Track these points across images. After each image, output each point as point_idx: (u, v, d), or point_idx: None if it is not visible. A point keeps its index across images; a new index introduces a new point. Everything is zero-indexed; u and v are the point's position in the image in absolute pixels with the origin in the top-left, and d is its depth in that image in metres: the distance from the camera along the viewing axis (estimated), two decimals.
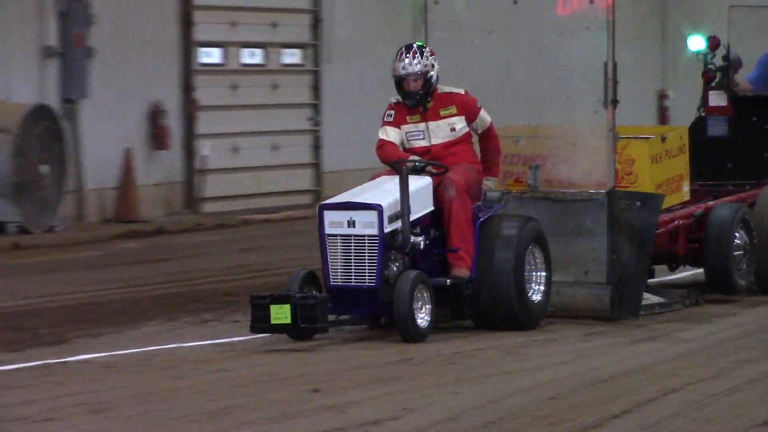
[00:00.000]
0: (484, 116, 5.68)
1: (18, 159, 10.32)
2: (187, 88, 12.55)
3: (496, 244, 5.36)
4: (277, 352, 4.97)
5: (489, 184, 5.67)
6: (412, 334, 5.02)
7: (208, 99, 12.73)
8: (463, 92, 5.69)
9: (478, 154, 5.75)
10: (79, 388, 4.19)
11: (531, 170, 5.92)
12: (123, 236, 10.91)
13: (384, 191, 5.25)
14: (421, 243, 5.26)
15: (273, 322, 4.88)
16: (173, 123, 12.30)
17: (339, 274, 5.13)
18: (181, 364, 4.77)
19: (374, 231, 5.03)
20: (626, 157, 5.93)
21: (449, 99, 5.63)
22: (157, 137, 12.06)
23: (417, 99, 5.53)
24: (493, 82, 6.27)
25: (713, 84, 7.20)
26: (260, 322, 4.93)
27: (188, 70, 12.57)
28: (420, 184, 5.35)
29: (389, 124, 5.59)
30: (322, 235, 5.14)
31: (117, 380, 4.37)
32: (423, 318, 5.09)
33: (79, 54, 11.15)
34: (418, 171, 5.43)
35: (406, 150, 5.56)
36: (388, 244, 5.08)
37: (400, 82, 5.53)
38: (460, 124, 5.61)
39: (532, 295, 5.47)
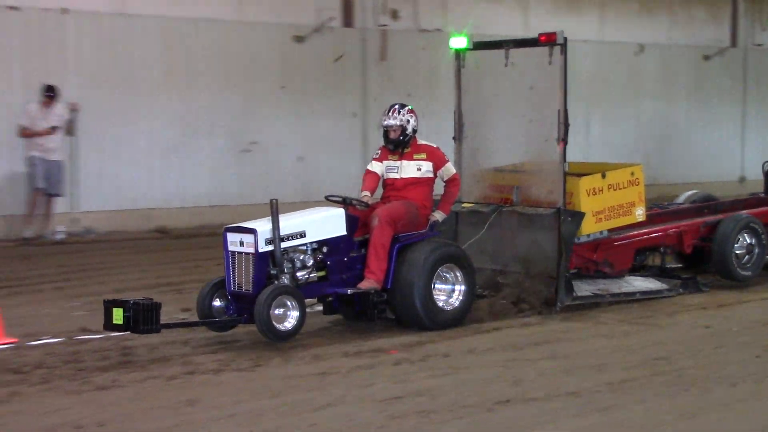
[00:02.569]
0: (450, 168, 7.21)
1: None
2: None
3: (405, 265, 6.61)
4: None
5: (437, 216, 7.06)
6: (269, 335, 6.10)
7: None
8: (435, 146, 7.18)
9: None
10: None
11: (515, 191, 7.70)
12: None
13: (282, 218, 6.42)
14: (306, 260, 6.48)
15: (114, 322, 5.86)
16: None
17: (233, 282, 6.35)
18: None
19: (252, 250, 6.22)
20: (569, 190, 7.31)
21: (423, 148, 7.13)
22: None
23: (395, 144, 7.04)
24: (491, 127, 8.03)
25: None
26: (108, 323, 5.91)
27: None
28: (332, 213, 6.73)
29: (375, 159, 7.25)
30: (225, 251, 6.39)
31: None
32: (286, 322, 6.15)
33: None
34: (347, 204, 6.83)
35: (384, 179, 7.13)
36: (271, 260, 6.31)
37: (386, 130, 7.06)
38: (426, 167, 7.07)
39: (443, 305, 6.75)
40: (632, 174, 7.65)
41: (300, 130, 12.88)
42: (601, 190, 7.44)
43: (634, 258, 8.09)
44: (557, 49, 7.16)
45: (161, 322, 5.96)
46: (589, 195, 7.38)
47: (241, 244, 6.31)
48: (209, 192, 12.31)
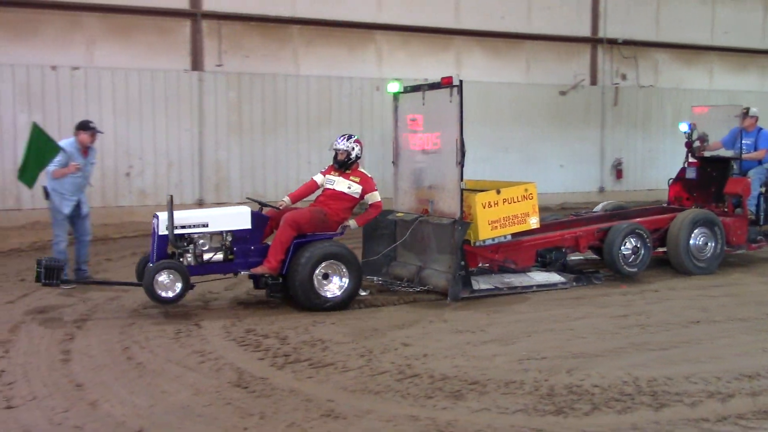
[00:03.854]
0: (375, 196, 8.28)
1: None
2: None
3: (297, 259, 7.63)
4: None
5: (350, 223, 8.13)
6: (152, 299, 7.29)
7: None
8: (370, 176, 8.37)
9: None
10: None
11: (430, 204, 8.76)
12: None
13: (197, 211, 7.97)
14: (208, 244, 7.65)
15: (35, 276, 7.41)
16: None
17: (152, 255, 7.62)
18: None
19: (159, 232, 7.49)
20: (469, 203, 8.44)
21: (360, 174, 8.30)
22: None
23: (340, 164, 8.28)
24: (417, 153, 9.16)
25: (692, 148, 11.15)
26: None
27: None
28: (238, 210, 7.91)
29: (322, 172, 8.49)
30: (153, 231, 7.61)
31: None
32: (166, 291, 7.25)
33: None
34: (262, 205, 8.13)
35: (324, 187, 8.29)
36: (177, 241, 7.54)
37: (336, 152, 8.32)
38: (354, 188, 8.21)
39: (324, 292, 7.70)
40: (526, 190, 8.64)
41: (561, 149, 18.36)
42: (496, 203, 8.45)
43: (536, 257, 9.26)
44: (455, 90, 8.07)
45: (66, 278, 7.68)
46: (484, 207, 8.38)
47: (158, 226, 7.50)
48: None
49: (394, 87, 9.17)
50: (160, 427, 4.77)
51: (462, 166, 8.15)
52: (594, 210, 11.02)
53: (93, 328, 7.08)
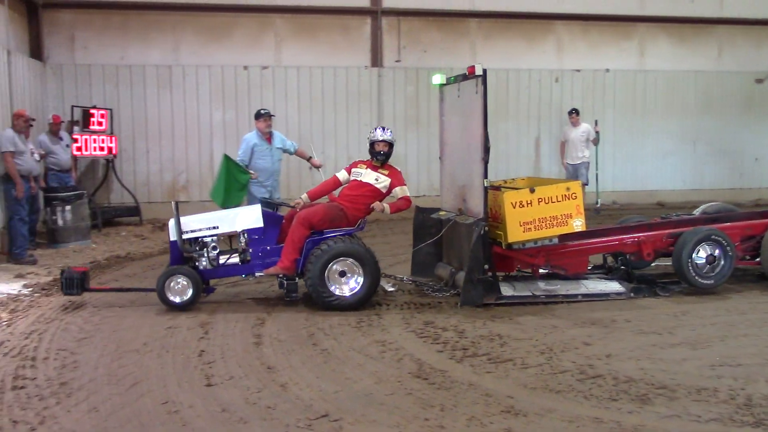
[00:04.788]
0: (405, 189, 7.94)
1: None
2: None
3: (311, 257, 7.43)
4: None
5: (382, 206, 7.76)
6: (165, 303, 7.44)
7: None
8: (399, 170, 8.08)
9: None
10: None
11: (464, 203, 8.20)
12: None
13: (207, 215, 7.79)
14: (215, 247, 7.63)
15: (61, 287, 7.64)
16: None
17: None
18: None
19: (170, 238, 7.63)
20: (500, 202, 7.80)
21: (389, 167, 8.04)
22: None
23: (380, 155, 7.98)
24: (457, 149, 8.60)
25: None
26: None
27: None
28: (248, 210, 7.80)
29: (345, 168, 8.21)
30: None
31: None
32: (175, 296, 7.44)
33: None
34: (278, 205, 8.16)
35: (350, 179, 7.98)
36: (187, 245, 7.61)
37: (374, 143, 7.99)
38: (383, 180, 7.91)
39: (337, 290, 7.45)
40: (568, 189, 7.77)
41: (756, 141, 17.54)
42: (530, 203, 7.65)
43: (607, 261, 8.64)
44: (479, 80, 7.53)
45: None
46: (514, 207, 7.63)
47: (169, 233, 7.68)
48: (690, 179, 17.24)
49: (437, 79, 8.61)
50: (345, 413, 4.92)
51: (486, 163, 7.55)
52: (694, 212, 9.72)
53: (281, 314, 7.45)
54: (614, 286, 8.20)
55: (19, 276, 9.30)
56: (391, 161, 8.17)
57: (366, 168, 8.03)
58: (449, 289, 8.15)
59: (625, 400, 5.10)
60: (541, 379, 5.53)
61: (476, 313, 7.42)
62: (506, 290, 7.84)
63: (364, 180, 7.92)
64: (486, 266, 7.55)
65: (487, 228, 7.54)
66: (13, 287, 8.69)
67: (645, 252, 8.35)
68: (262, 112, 9.91)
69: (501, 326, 6.97)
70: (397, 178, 7.97)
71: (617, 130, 16.75)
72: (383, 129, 8.09)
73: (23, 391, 5.31)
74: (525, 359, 5.99)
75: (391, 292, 8.34)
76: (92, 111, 13.48)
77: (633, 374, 5.60)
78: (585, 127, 14.74)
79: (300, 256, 7.53)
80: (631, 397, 5.15)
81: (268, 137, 9.79)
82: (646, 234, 8.48)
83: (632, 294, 8.06)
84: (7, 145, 10.09)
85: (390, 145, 8.00)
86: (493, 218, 7.93)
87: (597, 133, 14.83)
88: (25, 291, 8.52)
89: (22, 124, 10.48)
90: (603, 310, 7.55)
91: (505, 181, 9.19)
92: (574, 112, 14.77)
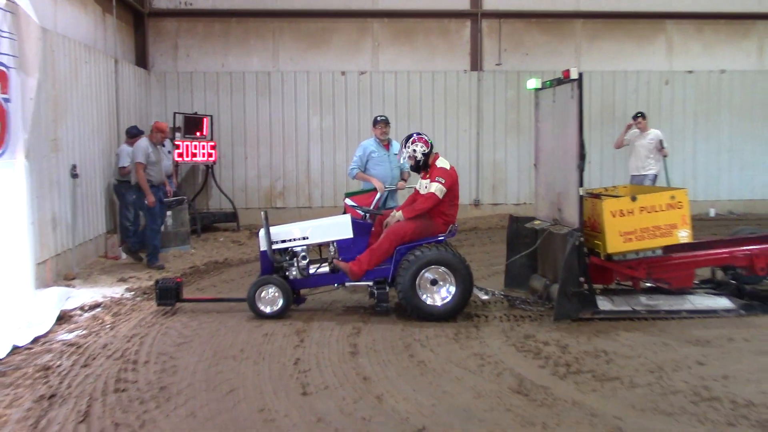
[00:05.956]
0: (432, 185, 7.57)
1: None
2: None
3: (402, 265, 7.35)
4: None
5: (397, 216, 7.59)
6: (256, 313, 7.49)
7: None
8: (440, 168, 7.68)
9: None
10: None
11: (559, 212, 7.84)
12: None
13: (297, 225, 7.79)
14: (305, 257, 7.62)
15: (155, 298, 7.77)
16: None
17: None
18: None
19: (260, 248, 7.70)
20: (598, 211, 7.46)
21: (432, 169, 7.73)
22: None
23: (413, 169, 7.94)
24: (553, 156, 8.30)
25: None
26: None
27: None
28: (338, 220, 7.77)
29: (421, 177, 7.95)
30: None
31: None
32: (266, 306, 7.50)
33: None
34: (367, 213, 8.04)
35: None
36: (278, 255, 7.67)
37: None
38: (427, 188, 7.65)
39: (426, 299, 7.34)
40: (672, 197, 7.35)
41: None
42: (631, 212, 7.31)
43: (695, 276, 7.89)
44: (575, 84, 7.22)
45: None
46: (614, 216, 7.30)
47: (259, 243, 7.72)
48: None
49: (532, 83, 8.33)
50: (442, 427, 4.76)
51: (581, 171, 7.22)
52: None
53: (377, 324, 7.34)
54: (723, 303, 7.66)
55: (122, 280, 9.56)
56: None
57: (425, 178, 7.92)
58: (543, 302, 7.85)
59: (745, 426, 4.74)
60: (650, 400, 5.20)
61: (579, 327, 7.11)
62: (604, 304, 7.47)
63: (419, 190, 7.88)
64: (581, 278, 7.24)
65: (582, 238, 7.26)
66: (116, 291, 8.93)
67: (758, 266, 7.77)
68: (379, 118, 9.78)
69: (606, 342, 6.63)
70: (432, 177, 7.72)
71: (734, 135, 15.95)
72: (399, 148, 8.00)
73: (125, 394, 5.39)
74: (633, 378, 5.65)
75: (486, 300, 8.14)
76: (204, 118, 13.82)
77: (753, 398, 5.19)
78: (655, 134, 12.82)
79: (384, 265, 7.53)
80: (751, 423, 4.78)
81: (386, 144, 9.71)
82: (759, 247, 7.85)
83: (743, 311, 7.52)
84: (140, 156, 10.34)
85: (413, 158, 7.83)
86: (592, 228, 7.64)
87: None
88: (128, 295, 8.73)
89: (159, 137, 10.70)
90: (718, 328, 7.08)
91: (606, 189, 8.82)
92: (640, 116, 13.07)
